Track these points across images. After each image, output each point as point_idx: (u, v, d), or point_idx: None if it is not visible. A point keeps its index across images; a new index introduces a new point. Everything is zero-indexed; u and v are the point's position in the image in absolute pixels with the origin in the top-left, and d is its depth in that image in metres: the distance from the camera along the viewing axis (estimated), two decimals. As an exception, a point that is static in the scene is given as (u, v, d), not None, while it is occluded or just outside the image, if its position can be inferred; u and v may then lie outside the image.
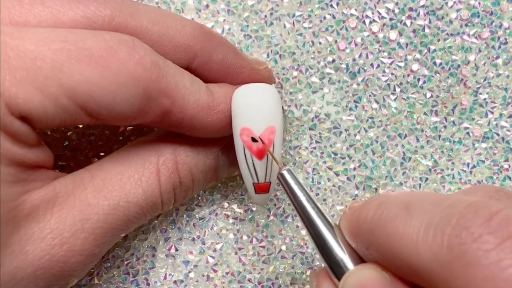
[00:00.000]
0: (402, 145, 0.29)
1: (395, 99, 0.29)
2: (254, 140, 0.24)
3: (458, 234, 0.17)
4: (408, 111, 0.29)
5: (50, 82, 0.20)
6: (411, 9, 0.29)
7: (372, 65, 0.29)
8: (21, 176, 0.20)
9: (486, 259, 0.16)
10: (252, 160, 0.25)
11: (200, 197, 0.29)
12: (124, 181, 0.23)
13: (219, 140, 0.26)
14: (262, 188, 0.26)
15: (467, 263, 0.16)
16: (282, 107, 0.29)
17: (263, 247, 0.29)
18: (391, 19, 0.29)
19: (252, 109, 0.24)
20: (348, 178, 0.29)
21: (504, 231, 0.16)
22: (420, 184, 0.29)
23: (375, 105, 0.29)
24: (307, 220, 0.22)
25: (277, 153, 0.25)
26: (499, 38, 0.29)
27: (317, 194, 0.29)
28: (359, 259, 0.21)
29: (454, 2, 0.29)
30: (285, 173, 0.23)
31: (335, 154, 0.29)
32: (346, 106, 0.29)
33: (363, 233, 0.20)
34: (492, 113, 0.29)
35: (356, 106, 0.29)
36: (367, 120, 0.29)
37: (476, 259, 0.16)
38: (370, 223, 0.19)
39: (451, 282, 0.16)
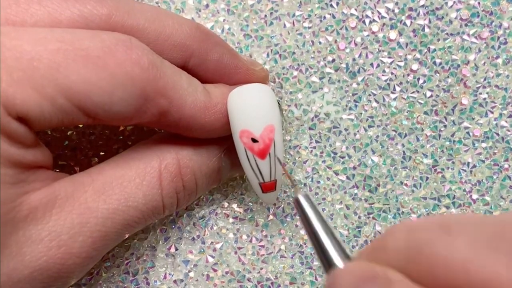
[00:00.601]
0: (402, 144, 0.29)
1: (395, 99, 0.29)
2: (254, 140, 0.24)
3: None
4: (408, 111, 0.29)
5: (46, 82, 0.20)
6: (411, 9, 0.29)
7: (372, 64, 0.29)
8: (20, 177, 0.20)
9: None
10: (255, 161, 0.25)
11: (200, 197, 0.29)
12: (125, 185, 0.23)
13: (220, 142, 0.26)
14: (269, 187, 0.26)
15: None
16: (280, 106, 0.29)
17: (262, 246, 0.29)
18: (391, 19, 0.29)
19: (249, 110, 0.24)
20: (347, 177, 0.29)
21: None
22: (420, 184, 0.29)
23: (375, 105, 0.29)
24: (322, 252, 0.19)
25: (279, 151, 0.25)
26: (498, 38, 0.29)
27: (316, 193, 0.29)
28: None
29: (454, 2, 0.29)
30: (300, 198, 0.20)
31: (335, 153, 0.29)
32: (346, 106, 0.29)
33: (393, 264, 0.18)
34: (492, 112, 0.29)
35: (356, 106, 0.29)
36: (367, 120, 0.29)
37: None
38: (403, 251, 0.18)
39: None
